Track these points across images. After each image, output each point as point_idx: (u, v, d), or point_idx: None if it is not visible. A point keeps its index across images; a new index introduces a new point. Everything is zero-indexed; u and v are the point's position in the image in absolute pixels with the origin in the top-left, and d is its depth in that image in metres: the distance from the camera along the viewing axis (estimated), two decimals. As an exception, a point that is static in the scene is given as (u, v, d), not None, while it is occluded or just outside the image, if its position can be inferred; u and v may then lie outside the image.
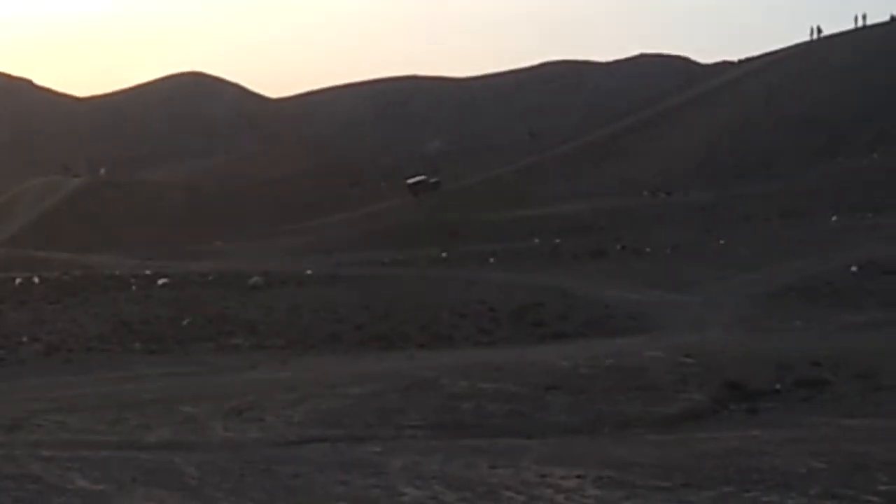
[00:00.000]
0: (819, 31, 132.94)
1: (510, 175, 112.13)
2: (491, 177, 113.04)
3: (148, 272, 45.92)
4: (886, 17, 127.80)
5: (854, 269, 45.89)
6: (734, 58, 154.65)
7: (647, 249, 60.50)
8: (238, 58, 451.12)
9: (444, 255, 63.48)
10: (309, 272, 49.67)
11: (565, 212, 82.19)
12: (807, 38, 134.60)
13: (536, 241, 69.00)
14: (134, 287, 42.98)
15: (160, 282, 43.67)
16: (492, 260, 59.16)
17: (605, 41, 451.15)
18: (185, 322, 35.36)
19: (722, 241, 60.43)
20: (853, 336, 30.77)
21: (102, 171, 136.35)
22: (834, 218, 65.82)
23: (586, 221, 76.11)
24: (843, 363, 23.96)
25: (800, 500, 14.24)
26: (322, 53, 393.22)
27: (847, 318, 37.13)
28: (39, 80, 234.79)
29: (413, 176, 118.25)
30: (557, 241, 67.23)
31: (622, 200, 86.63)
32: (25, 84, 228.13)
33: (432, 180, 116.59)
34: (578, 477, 14.95)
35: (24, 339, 32.58)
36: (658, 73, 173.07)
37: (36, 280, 43.63)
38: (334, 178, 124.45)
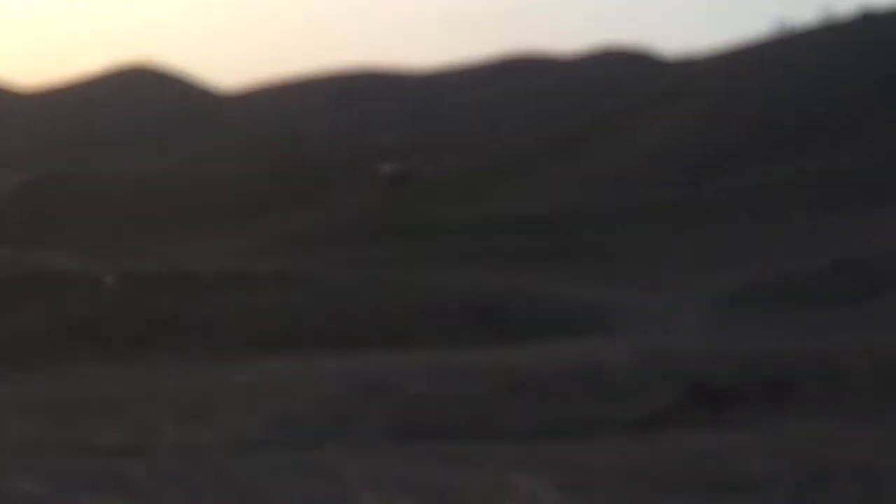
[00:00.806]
0: (785, 25, 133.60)
1: (471, 171, 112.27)
2: (451, 173, 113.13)
3: (96, 271, 45.67)
4: (853, 11, 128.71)
5: (824, 266, 46.19)
6: (699, 50, 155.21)
7: (611, 248, 60.75)
8: (185, 50, 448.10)
9: (401, 253, 63.59)
10: (267, 270, 49.59)
11: (527, 210, 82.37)
12: (772, 30, 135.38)
13: (496, 238, 69.18)
14: (82, 287, 42.71)
15: (108, 280, 43.43)
16: (453, 258, 59.29)
17: (568, 32, 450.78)
18: (136, 321, 35.25)
19: (687, 240, 60.75)
20: (821, 336, 30.97)
21: (44, 165, 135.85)
22: (803, 216, 66.26)
23: (549, 220, 76.29)
24: (811, 364, 24.12)
25: (768, 502, 14.36)
26: (272, 43, 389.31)
27: (815, 318, 37.38)
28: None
29: (386, 166, 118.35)
30: (520, 237, 67.40)
31: (585, 198, 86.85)
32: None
33: (404, 171, 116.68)
34: (540, 482, 15.03)
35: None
36: (620, 68, 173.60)
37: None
38: (290, 174, 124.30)
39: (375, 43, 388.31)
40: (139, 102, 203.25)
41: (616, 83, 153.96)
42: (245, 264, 53.66)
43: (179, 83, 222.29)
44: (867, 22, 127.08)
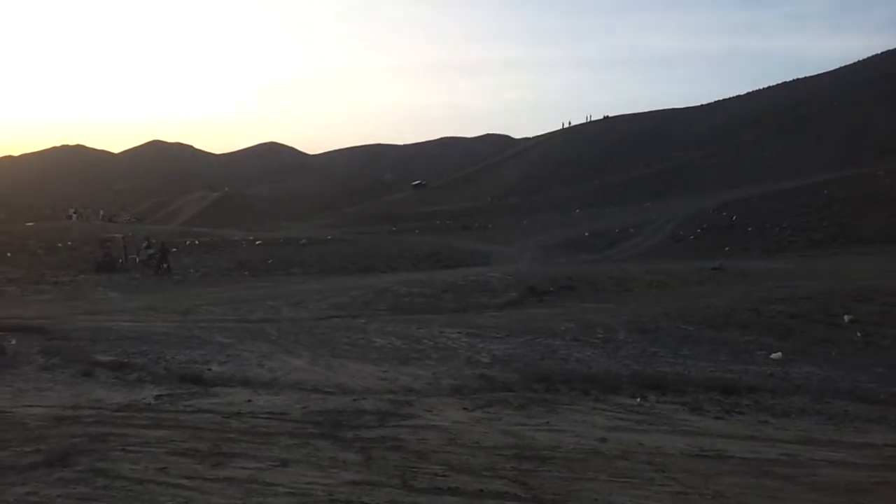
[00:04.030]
0: (570, 123, 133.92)
1: (426, 191, 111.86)
2: (415, 193, 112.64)
3: (251, 238, 45.10)
4: (601, 116, 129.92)
5: (587, 234, 46.44)
6: (531, 135, 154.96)
7: (490, 226, 60.69)
8: (293, 133, 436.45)
9: (393, 228, 63.42)
10: (329, 237, 49.16)
11: (451, 209, 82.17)
12: (560, 125, 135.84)
13: (437, 222, 68.83)
14: (244, 245, 42.22)
15: (257, 242, 42.87)
16: (417, 231, 58.96)
17: (469, 124, 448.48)
18: (269, 261, 34.86)
19: (525, 222, 60.73)
20: (587, 266, 31.12)
21: (226, 189, 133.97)
22: (577, 210, 66.55)
23: (461, 213, 76.07)
24: (582, 277, 24.28)
25: (561, 340, 14.42)
26: (333, 127, 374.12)
27: (583, 257, 37.58)
28: (197, 145, 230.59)
29: (415, 181, 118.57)
30: (448, 221, 67.24)
31: (477, 203, 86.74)
32: (189, 147, 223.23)
33: (423, 182, 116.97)
34: (458, 332, 15.05)
35: (191, 270, 31.93)
36: (497, 142, 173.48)
37: (196, 242, 42.66)
38: (340, 194, 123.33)
39: (386, 126, 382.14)
40: (270, 162, 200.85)
41: (495, 148, 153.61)
42: (319, 234, 53.18)
43: (289, 150, 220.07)
44: (607, 121, 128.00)
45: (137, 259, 33.52)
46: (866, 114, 75.27)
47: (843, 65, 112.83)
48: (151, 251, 33.46)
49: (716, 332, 14.92)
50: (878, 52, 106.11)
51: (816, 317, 15.70)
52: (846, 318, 15.29)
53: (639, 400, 9.44)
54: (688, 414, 8.84)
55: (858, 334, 14.17)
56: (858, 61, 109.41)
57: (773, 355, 12.78)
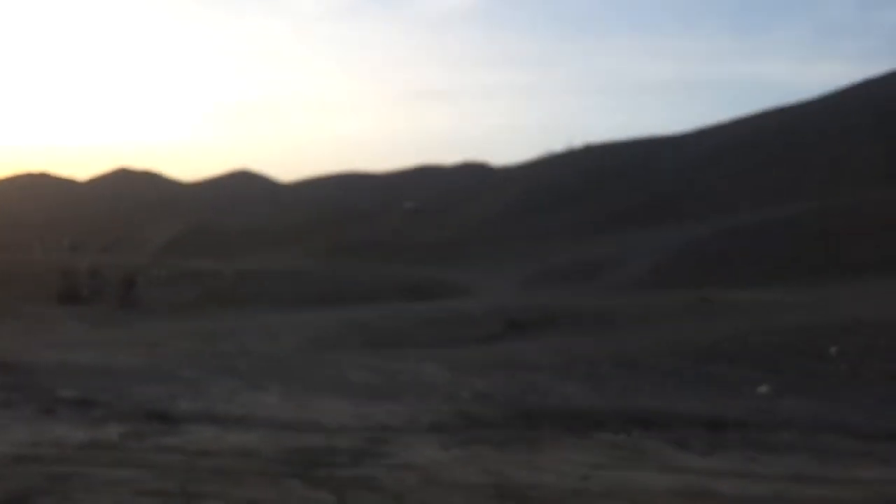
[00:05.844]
0: (551, 150, 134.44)
1: (405, 220, 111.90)
2: (393, 221, 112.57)
3: (221, 268, 44.76)
4: (582, 144, 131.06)
5: (569, 264, 46.52)
6: (511, 162, 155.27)
7: (470, 256, 60.81)
8: (270, 159, 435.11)
9: (370, 258, 63.24)
10: (303, 268, 48.87)
11: (430, 238, 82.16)
12: (541, 153, 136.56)
13: (415, 252, 68.66)
14: (213, 276, 41.85)
15: (227, 273, 42.56)
16: (394, 261, 58.80)
17: (447, 150, 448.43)
18: (240, 292, 34.54)
19: (506, 253, 60.80)
20: (568, 297, 31.21)
21: (196, 219, 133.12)
22: (559, 240, 66.77)
23: (440, 243, 76.15)
24: (564, 310, 24.34)
25: (543, 375, 14.44)
26: (297, 150, 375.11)
27: (565, 288, 37.69)
28: (165, 173, 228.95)
29: (408, 204, 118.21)
30: (427, 252, 67.13)
31: (459, 235, 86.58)
32: (157, 176, 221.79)
33: (418, 205, 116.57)
34: (437, 366, 15.04)
35: (159, 302, 31.71)
36: (474, 170, 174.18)
37: (164, 273, 42.25)
38: (315, 224, 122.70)
39: (361, 153, 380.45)
40: (241, 190, 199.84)
41: (474, 176, 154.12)
42: (293, 264, 52.92)
43: (261, 178, 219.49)
44: (588, 149, 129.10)
45: (87, 291, 33.30)
46: (854, 141, 76.71)
47: (829, 91, 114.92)
48: (98, 280, 33.34)
49: (701, 365, 15.00)
50: (865, 78, 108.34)
51: (803, 349, 15.85)
52: (832, 350, 15.44)
53: (623, 436, 9.45)
54: (674, 450, 8.85)
55: (843, 367, 14.31)
56: (845, 88, 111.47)
57: (760, 389, 12.87)
